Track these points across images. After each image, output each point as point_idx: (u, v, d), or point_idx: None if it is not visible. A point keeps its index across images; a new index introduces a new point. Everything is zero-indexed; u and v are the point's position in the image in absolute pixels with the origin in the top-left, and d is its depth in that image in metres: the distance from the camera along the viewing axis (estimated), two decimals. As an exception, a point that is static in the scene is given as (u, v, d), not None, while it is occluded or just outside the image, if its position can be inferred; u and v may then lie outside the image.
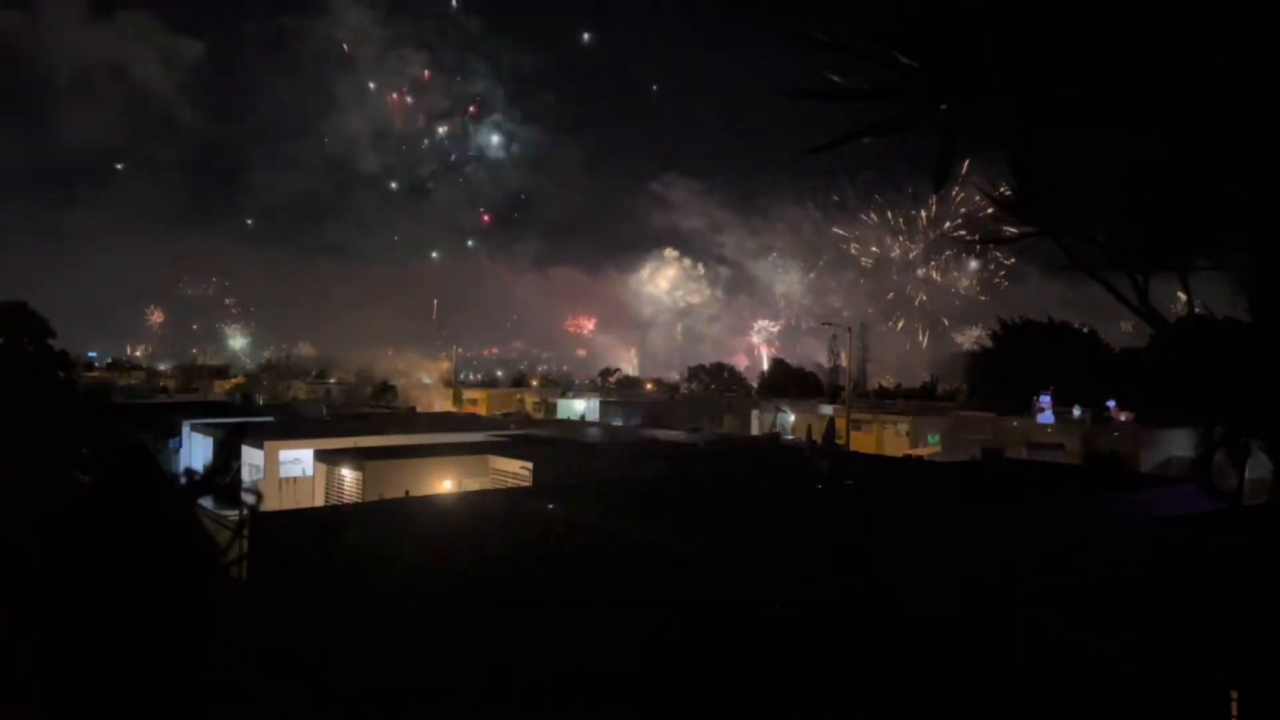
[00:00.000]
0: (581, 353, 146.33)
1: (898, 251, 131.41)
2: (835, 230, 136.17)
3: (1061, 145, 3.02)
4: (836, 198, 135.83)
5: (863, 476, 23.98)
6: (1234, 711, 9.16)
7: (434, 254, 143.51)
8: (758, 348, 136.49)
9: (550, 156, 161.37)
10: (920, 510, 18.44)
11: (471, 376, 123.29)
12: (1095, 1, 2.18)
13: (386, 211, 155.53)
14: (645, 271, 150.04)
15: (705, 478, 24.77)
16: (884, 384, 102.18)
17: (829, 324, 71.37)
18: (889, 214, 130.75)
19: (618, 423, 54.32)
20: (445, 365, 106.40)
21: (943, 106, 2.51)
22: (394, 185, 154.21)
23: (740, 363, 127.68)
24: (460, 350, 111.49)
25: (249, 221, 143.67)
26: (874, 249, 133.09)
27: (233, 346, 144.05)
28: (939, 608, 13.74)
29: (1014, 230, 3.17)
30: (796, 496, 20.56)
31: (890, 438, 53.69)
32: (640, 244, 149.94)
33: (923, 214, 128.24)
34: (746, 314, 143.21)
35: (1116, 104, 2.35)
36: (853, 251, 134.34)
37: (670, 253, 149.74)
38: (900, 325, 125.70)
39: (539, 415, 70.51)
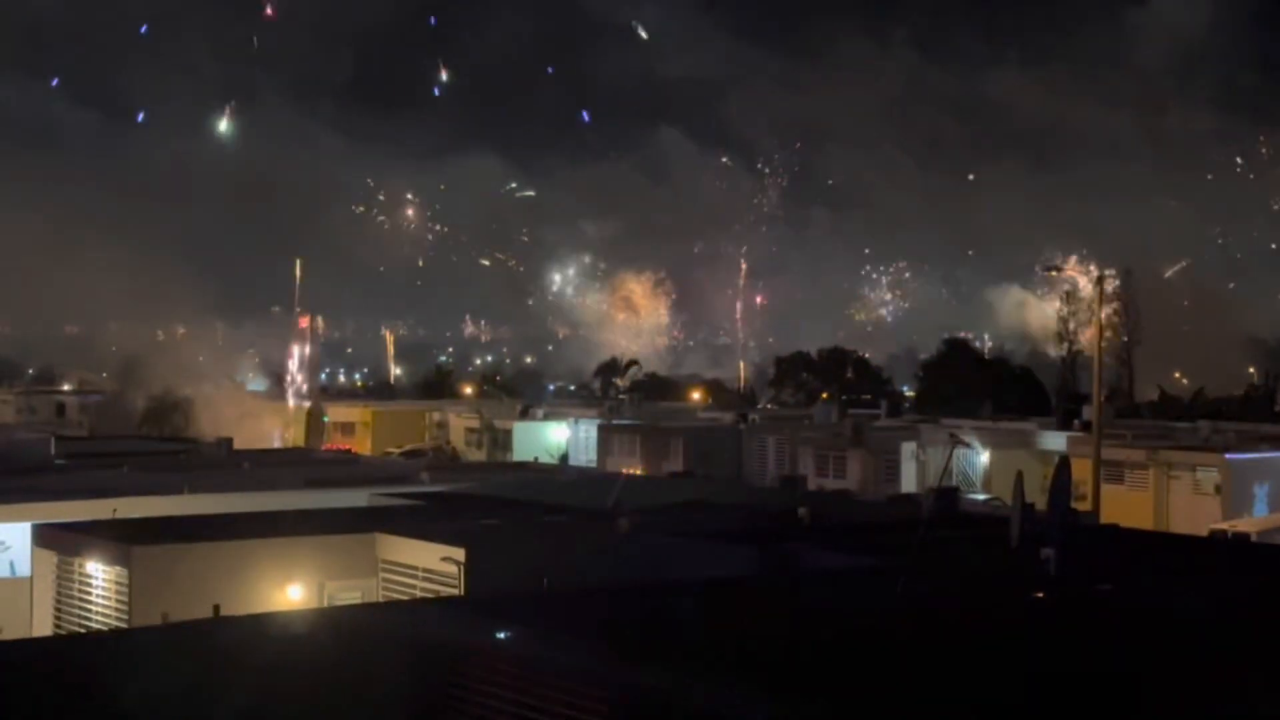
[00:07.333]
0: (563, 332, 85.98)
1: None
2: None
3: None
4: None
5: (1139, 577, 14.05)
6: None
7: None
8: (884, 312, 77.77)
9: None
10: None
11: (344, 379, 73.38)
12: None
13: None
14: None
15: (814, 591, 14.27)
16: (1168, 390, 72.44)
17: (1054, 269, 42.70)
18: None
19: (634, 469, 35.82)
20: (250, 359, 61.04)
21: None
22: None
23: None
24: (323, 326, 65.21)
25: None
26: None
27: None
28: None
29: None
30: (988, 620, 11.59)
31: (1182, 496, 35.29)
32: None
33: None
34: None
35: None
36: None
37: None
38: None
39: (477, 453, 44.87)
